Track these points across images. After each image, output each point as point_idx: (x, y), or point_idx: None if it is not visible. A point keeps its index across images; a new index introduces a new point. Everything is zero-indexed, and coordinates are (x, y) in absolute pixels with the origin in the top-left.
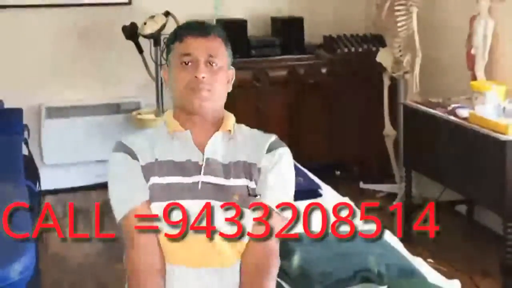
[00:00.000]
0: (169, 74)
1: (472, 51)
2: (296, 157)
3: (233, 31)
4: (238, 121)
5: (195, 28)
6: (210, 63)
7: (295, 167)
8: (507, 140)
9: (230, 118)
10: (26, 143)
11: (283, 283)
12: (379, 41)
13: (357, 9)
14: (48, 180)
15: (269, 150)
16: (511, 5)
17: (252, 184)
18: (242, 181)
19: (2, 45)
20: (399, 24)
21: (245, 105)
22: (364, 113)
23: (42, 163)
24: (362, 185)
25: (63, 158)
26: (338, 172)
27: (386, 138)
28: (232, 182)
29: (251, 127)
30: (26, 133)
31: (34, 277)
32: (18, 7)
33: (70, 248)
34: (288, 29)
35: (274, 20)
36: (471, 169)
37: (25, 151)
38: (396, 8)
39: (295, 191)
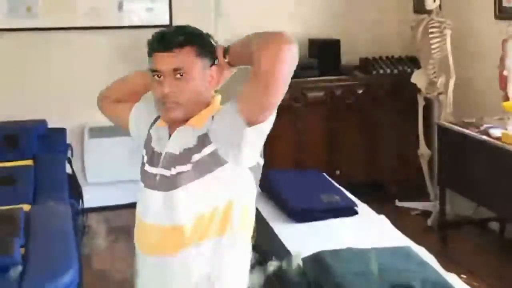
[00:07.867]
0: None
1: (505, 73)
2: (333, 175)
3: None
4: (277, 141)
5: (159, 43)
6: (179, 74)
7: (332, 185)
8: None
9: (205, 110)
10: (70, 162)
11: None
12: (414, 63)
13: (391, 31)
14: (91, 198)
15: (213, 117)
16: None
17: (198, 162)
18: (186, 167)
19: (45, 66)
20: (433, 46)
21: (283, 125)
22: (399, 133)
23: (85, 182)
24: (397, 203)
25: (105, 176)
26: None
27: (420, 157)
28: (175, 170)
29: (289, 147)
30: (69, 152)
31: None
32: (60, 30)
33: (113, 264)
34: (325, 51)
35: (312, 42)
36: (503, 187)
37: (68, 170)
38: (430, 30)
39: (332, 209)
